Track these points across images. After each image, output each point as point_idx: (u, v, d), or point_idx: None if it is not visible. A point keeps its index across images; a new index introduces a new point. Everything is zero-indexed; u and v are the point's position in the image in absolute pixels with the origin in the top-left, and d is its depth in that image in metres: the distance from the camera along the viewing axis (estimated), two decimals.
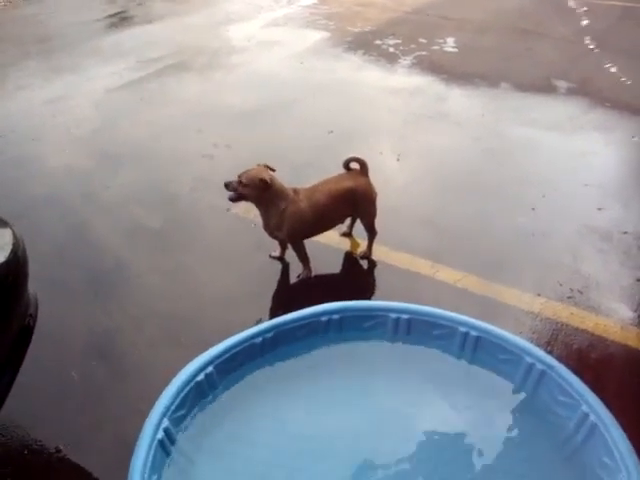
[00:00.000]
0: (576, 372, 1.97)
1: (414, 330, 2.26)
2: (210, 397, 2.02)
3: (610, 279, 3.19)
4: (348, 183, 3.16)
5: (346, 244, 3.44)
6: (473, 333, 2.17)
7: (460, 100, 5.32)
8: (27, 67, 6.51)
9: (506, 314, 2.91)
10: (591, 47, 6.60)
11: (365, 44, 6.60)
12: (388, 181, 4.03)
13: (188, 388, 1.94)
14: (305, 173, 4.15)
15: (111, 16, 8.30)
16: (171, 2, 9.07)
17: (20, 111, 5.44)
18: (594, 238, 3.52)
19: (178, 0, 9.19)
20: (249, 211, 3.69)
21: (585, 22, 7.48)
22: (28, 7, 9.02)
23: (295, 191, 3.10)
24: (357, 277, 3.26)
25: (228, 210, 3.70)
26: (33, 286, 2.25)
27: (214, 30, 7.39)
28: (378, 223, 3.31)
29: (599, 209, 3.76)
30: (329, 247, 3.40)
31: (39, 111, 5.35)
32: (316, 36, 6.98)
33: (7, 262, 2.08)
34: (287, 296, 3.11)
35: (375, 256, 3.33)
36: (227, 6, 8.48)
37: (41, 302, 2.31)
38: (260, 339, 2.17)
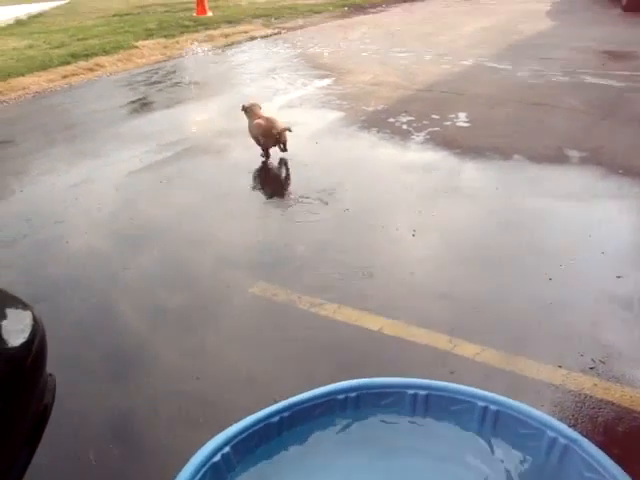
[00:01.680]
0: (602, 446, 1.91)
1: (432, 406, 2.23)
2: (227, 478, 1.99)
3: (633, 347, 3.14)
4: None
5: (363, 320, 3.42)
6: (492, 407, 2.13)
7: (474, 174, 5.38)
8: (52, 153, 6.71)
9: (527, 387, 2.87)
10: (601, 116, 6.68)
11: (379, 122, 6.74)
12: (404, 256, 4.06)
13: (204, 469, 1.91)
14: (322, 249, 4.21)
15: (132, 102, 8.59)
16: (189, 88, 9.39)
17: (44, 195, 5.58)
18: (614, 306, 3.49)
19: (196, 85, 9.51)
20: (266, 290, 3.74)
21: (595, 93, 7.59)
22: (55, 97, 9.37)
23: (259, 115, 5.84)
24: (373, 353, 3.24)
25: (248, 290, 3.73)
26: (52, 367, 2.27)
27: (231, 113, 7.58)
28: (393, 297, 3.31)
29: (618, 277, 3.74)
30: (348, 324, 3.40)
31: (62, 194, 5.49)
32: (331, 116, 7.15)
33: (26, 344, 2.11)
34: (306, 374, 3.09)
35: (391, 331, 3.31)
36: (244, 89, 8.74)
37: (59, 383, 2.32)
38: (277, 418, 2.15)
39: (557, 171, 5.43)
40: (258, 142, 5.85)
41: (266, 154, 5.84)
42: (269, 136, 5.73)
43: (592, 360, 3.03)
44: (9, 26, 16.96)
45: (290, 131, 5.73)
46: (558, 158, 5.64)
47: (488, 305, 3.53)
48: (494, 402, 2.15)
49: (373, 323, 3.40)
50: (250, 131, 5.92)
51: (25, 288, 3.97)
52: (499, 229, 4.44)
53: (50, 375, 2.28)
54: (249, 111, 5.96)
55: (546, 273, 3.78)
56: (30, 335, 2.13)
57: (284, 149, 5.82)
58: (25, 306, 2.30)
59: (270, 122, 5.73)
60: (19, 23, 17.54)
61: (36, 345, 2.14)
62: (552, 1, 16.93)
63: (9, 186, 5.80)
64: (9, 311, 2.24)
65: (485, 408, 2.14)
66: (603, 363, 3.01)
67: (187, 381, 3.07)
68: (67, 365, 3.03)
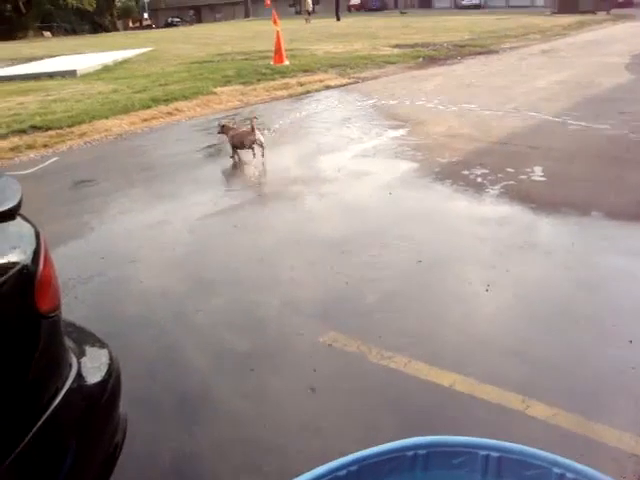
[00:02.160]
0: None
1: (504, 469, 2.13)
2: None
3: None
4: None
5: (434, 375, 3.37)
6: (569, 476, 2.05)
7: (549, 229, 5.28)
8: (130, 193, 6.95)
9: (605, 455, 2.74)
10: None
11: (453, 174, 6.72)
12: (476, 312, 3.99)
13: None
14: (394, 300, 4.19)
15: (209, 147, 8.85)
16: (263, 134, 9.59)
17: (121, 234, 5.77)
18: None
19: (271, 132, 9.70)
20: (337, 340, 3.72)
21: None
22: (135, 139, 9.75)
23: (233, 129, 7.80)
24: (443, 410, 3.17)
25: (318, 339, 3.73)
26: (122, 405, 2.31)
27: (306, 161, 7.72)
28: (466, 353, 3.24)
29: None
30: (418, 378, 3.35)
31: (138, 234, 5.66)
32: (404, 167, 7.17)
33: (103, 382, 2.16)
34: (373, 427, 3.04)
35: (462, 388, 3.24)
36: (319, 138, 8.88)
37: (128, 421, 2.36)
38: (344, 472, 2.11)
39: (638, 229, 5.28)
40: (241, 146, 7.81)
41: (234, 152, 7.94)
42: (247, 141, 7.72)
43: None
44: (96, 72, 17.82)
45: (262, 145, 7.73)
46: (638, 215, 5.49)
47: (564, 365, 3.42)
48: (571, 470, 2.06)
49: (444, 378, 3.34)
50: (232, 140, 7.83)
51: (98, 325, 4.06)
52: (576, 287, 4.31)
53: (122, 414, 2.32)
54: (226, 127, 8.01)
55: (627, 335, 3.65)
56: (106, 374, 2.19)
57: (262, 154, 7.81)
58: (102, 344, 2.36)
59: (249, 131, 7.69)
60: (106, 69, 18.41)
61: (111, 384, 2.20)
62: (631, 54, 16.69)
63: (87, 224, 6.02)
64: (87, 348, 2.31)
65: (562, 476, 2.06)
66: None
67: (253, 427, 3.06)
68: (134, 404, 3.08)
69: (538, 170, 6.72)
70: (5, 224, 1.87)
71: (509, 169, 6.75)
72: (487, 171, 6.73)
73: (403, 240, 5.15)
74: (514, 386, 3.23)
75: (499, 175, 6.57)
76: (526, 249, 4.88)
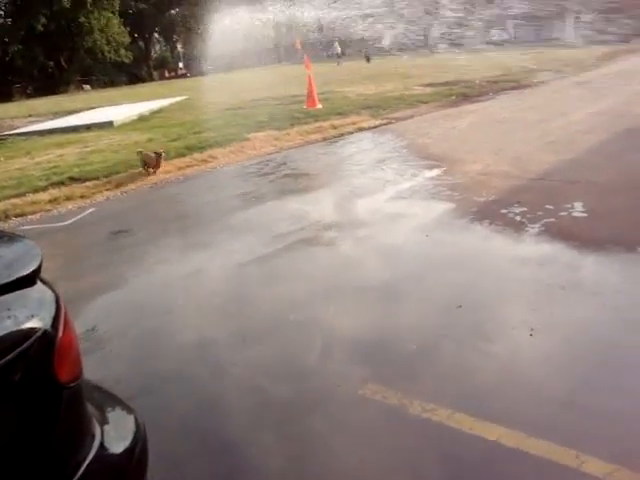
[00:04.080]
0: None
1: None
2: None
3: None
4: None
5: (479, 428, 3.21)
6: None
7: (594, 268, 5.10)
8: (166, 243, 6.97)
9: None
10: None
11: (490, 213, 6.58)
12: (522, 358, 3.84)
13: None
14: (435, 349, 4.07)
15: (243, 194, 8.86)
16: (299, 179, 9.60)
17: (157, 284, 5.77)
18: None
19: (306, 177, 9.72)
20: (377, 392, 3.61)
21: None
22: (170, 188, 9.85)
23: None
24: (489, 466, 3.01)
25: (357, 391, 3.62)
26: (150, 463, 2.22)
27: (340, 204, 7.67)
28: (511, 404, 3.09)
29: None
30: (462, 432, 3.21)
31: (174, 284, 5.65)
32: (441, 207, 7.06)
33: (128, 452, 2.08)
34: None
35: (509, 442, 3.08)
36: (354, 181, 8.85)
37: None
38: None
39: None
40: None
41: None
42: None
43: None
44: (132, 122, 18.19)
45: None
46: None
47: (621, 416, 3.23)
48: None
49: (489, 432, 3.18)
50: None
51: (134, 379, 4.03)
52: (627, 329, 4.12)
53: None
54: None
55: None
56: (132, 442, 2.10)
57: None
58: (129, 409, 2.28)
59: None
60: (141, 119, 18.79)
61: (137, 453, 2.11)
62: None
63: (123, 275, 6.03)
64: (112, 415, 2.23)
65: None
66: None
67: None
68: (165, 464, 2.99)
69: (579, 206, 6.55)
70: (25, 290, 1.83)
71: (548, 206, 6.60)
72: (526, 209, 6.58)
73: (442, 284, 5.03)
74: (566, 439, 3.06)
75: (538, 213, 6.41)
76: (571, 290, 4.70)
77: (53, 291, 1.95)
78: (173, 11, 75.32)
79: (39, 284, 1.90)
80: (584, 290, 4.70)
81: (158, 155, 10.72)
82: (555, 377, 3.65)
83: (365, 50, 47.80)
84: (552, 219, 6.21)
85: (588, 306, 4.45)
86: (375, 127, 14.01)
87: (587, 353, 3.88)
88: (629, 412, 3.28)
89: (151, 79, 66.90)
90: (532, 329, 4.11)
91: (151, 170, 10.71)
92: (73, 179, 10.23)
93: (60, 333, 1.83)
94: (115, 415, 2.22)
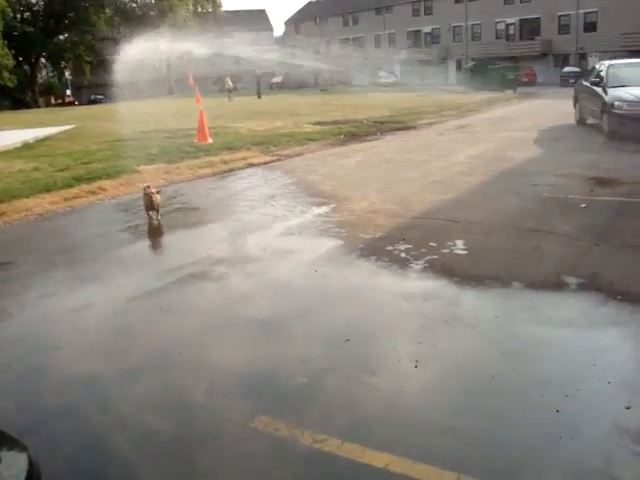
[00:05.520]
0: None
1: None
2: None
3: None
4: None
5: (368, 457, 3.32)
6: None
7: (473, 302, 5.40)
8: (52, 276, 6.77)
9: None
10: (594, 242, 6.78)
11: (377, 250, 6.82)
12: (407, 388, 4.01)
13: None
14: (324, 381, 4.16)
15: (133, 227, 8.73)
16: (188, 214, 9.56)
17: (43, 319, 5.57)
18: (626, 440, 3.40)
19: (196, 211, 9.70)
20: (268, 424, 3.65)
21: (586, 219, 7.74)
22: (57, 219, 9.55)
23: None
24: None
25: (248, 424, 3.66)
26: None
27: (230, 240, 7.72)
28: (398, 432, 3.23)
29: (627, 407, 3.66)
30: (351, 460, 3.30)
31: (61, 319, 5.49)
32: (329, 244, 7.24)
33: None
34: None
35: (397, 468, 3.22)
36: (242, 216, 8.91)
37: None
38: None
39: (556, 298, 5.45)
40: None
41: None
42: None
43: None
44: (16, 149, 17.51)
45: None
46: (556, 284, 5.67)
47: (495, 439, 3.46)
48: None
49: (378, 460, 3.31)
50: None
51: (17, 417, 3.89)
52: (501, 358, 4.41)
53: None
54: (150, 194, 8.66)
55: (552, 404, 3.72)
56: None
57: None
58: (21, 447, 2.23)
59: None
60: (26, 146, 18.11)
61: None
62: (538, 129, 17.59)
63: (6, 309, 5.81)
64: (3, 454, 2.18)
65: None
66: None
67: None
68: None
69: (460, 243, 6.90)
70: None
71: (432, 243, 6.91)
72: (410, 246, 6.86)
73: (330, 318, 5.17)
74: (448, 463, 3.23)
75: (422, 250, 6.71)
76: (452, 323, 4.95)
77: None
78: (62, 37, 73.33)
79: None
80: (464, 323, 4.96)
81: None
82: (437, 405, 3.85)
83: (257, 85, 48.37)
84: (435, 256, 6.52)
85: (467, 338, 4.71)
86: (265, 163, 14.16)
87: (466, 382, 4.11)
88: (502, 434, 3.51)
89: (36, 105, 64.63)
90: (417, 361, 4.30)
91: (155, 217, 8.85)
92: None
93: None
94: (7, 454, 2.17)
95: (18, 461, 2.15)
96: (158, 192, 8.78)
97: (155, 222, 8.70)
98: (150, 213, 8.74)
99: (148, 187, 8.79)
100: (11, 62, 56.53)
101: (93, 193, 11.22)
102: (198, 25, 68.73)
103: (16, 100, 64.25)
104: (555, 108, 24.90)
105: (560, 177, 10.49)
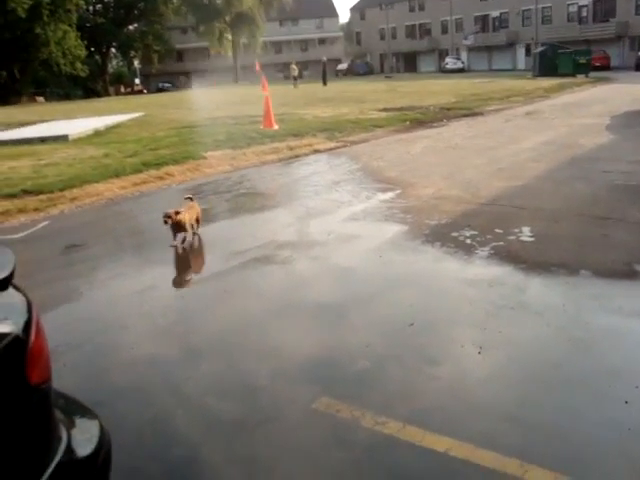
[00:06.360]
0: None
1: None
2: None
3: None
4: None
5: (429, 441, 3.32)
6: None
7: (540, 290, 5.31)
8: (120, 258, 6.98)
9: None
10: None
11: (442, 236, 6.77)
12: (470, 374, 3.97)
13: None
14: (387, 365, 4.17)
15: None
16: (254, 199, 9.68)
17: (111, 299, 5.74)
18: None
19: (261, 196, 9.80)
20: (329, 406, 3.69)
21: None
22: (126, 204, 9.81)
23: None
24: (439, 476, 3.13)
25: (310, 406, 3.69)
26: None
27: (295, 224, 7.77)
28: (460, 417, 3.22)
29: None
30: (413, 444, 3.31)
31: (128, 300, 5.64)
32: (394, 229, 7.23)
33: (93, 455, 2.12)
34: None
35: (458, 453, 3.20)
36: (308, 202, 8.96)
37: None
38: None
39: (627, 287, 5.32)
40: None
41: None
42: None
43: None
44: (88, 136, 18.01)
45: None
46: (628, 273, 5.53)
47: (561, 428, 3.39)
48: None
49: (439, 444, 3.30)
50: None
51: (87, 393, 4.02)
52: (568, 347, 4.31)
53: None
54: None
55: (622, 396, 3.64)
56: (97, 446, 2.16)
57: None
58: (93, 415, 2.33)
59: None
60: (97, 134, 18.62)
61: (102, 456, 2.16)
62: (611, 116, 17.08)
63: (77, 289, 6.00)
64: (77, 420, 2.28)
65: None
66: None
67: None
68: (122, 475, 3.01)
69: (526, 230, 6.79)
70: None
71: (498, 230, 6.82)
72: (476, 232, 6.78)
73: (394, 303, 5.16)
74: (511, 450, 3.20)
75: (488, 236, 6.63)
76: (517, 310, 4.88)
77: (26, 297, 2.00)
78: (131, 27, 75.09)
79: (11, 290, 1.95)
80: (530, 311, 4.88)
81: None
82: (501, 392, 3.80)
83: (323, 72, 48.36)
84: (501, 242, 6.43)
85: (533, 326, 4.62)
86: (330, 149, 14.20)
87: (532, 370, 4.04)
88: (568, 425, 3.44)
89: (107, 94, 66.44)
90: (480, 347, 4.26)
91: (184, 239, 7.11)
92: (26, 192, 10.06)
93: (32, 337, 1.88)
94: (80, 420, 2.27)
95: (90, 427, 2.25)
96: (190, 208, 7.14)
97: (183, 244, 7.04)
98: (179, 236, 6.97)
99: (167, 216, 6.70)
100: (84, 53, 58.30)
101: (161, 178, 11.47)
102: (264, 12, 69.21)
103: (88, 89, 66.24)
104: (629, 93, 24.16)
105: (633, 164, 10.19)
